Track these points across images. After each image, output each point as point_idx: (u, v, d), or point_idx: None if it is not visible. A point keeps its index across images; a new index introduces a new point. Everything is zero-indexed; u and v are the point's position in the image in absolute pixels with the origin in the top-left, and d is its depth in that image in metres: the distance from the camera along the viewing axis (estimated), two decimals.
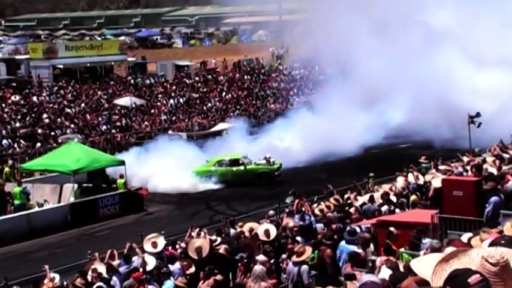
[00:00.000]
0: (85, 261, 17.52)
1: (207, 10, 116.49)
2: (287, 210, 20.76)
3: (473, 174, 18.06)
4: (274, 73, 58.64)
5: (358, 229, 16.67)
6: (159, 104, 48.75)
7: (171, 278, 14.91)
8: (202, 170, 33.56)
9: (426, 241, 12.55)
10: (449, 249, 5.06)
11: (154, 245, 17.03)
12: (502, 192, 15.48)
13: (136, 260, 16.07)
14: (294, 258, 14.84)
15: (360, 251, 14.22)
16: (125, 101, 47.16)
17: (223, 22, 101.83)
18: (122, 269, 15.87)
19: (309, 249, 15.03)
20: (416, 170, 24.59)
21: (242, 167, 33.46)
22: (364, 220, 18.75)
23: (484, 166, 20.04)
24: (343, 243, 15.39)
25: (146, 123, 44.00)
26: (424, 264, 4.72)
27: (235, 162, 33.68)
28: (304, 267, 14.60)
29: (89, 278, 15.65)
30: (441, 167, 23.97)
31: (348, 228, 15.86)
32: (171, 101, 49.48)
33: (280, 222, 19.56)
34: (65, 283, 16.41)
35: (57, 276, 16.63)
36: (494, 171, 18.86)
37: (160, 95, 50.96)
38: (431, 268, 4.63)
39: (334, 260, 15.21)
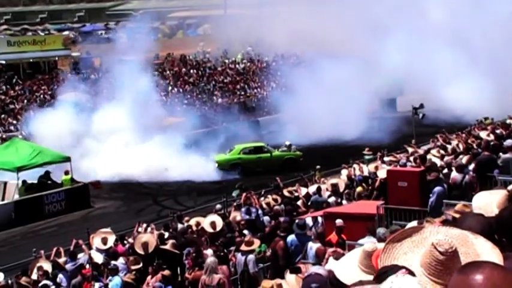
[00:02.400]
0: (30, 259, 17.28)
1: (152, 4, 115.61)
2: (235, 204, 20.79)
3: (417, 164, 18.36)
4: (220, 67, 58.51)
5: (310, 222, 16.80)
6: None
7: (119, 274, 14.80)
8: (228, 158, 33.35)
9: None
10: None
11: (105, 241, 16.89)
12: (446, 182, 15.77)
13: (82, 257, 15.91)
14: (243, 247, 15.06)
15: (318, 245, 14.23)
16: (70, 96, 46.47)
17: (168, 16, 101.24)
18: (68, 266, 15.70)
19: (257, 241, 15.23)
20: (359, 161, 24.91)
21: (268, 154, 33.65)
22: (312, 212, 18.89)
23: (428, 156, 20.39)
24: (292, 236, 15.48)
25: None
26: (347, 269, 4.80)
27: (259, 149, 33.90)
28: (251, 256, 14.88)
29: (35, 276, 15.43)
30: (386, 158, 24.28)
31: (297, 221, 15.94)
32: None
33: (228, 216, 19.58)
34: (9, 281, 16.15)
35: (1, 275, 16.37)
36: (438, 161, 19.18)
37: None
38: (357, 270, 4.71)
39: (286, 252, 15.30)
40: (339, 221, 14.60)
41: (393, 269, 3.04)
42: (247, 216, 18.65)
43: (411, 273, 3.02)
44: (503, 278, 2.26)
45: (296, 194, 21.58)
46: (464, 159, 18.43)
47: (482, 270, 2.28)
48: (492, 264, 2.33)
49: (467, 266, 2.39)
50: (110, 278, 14.63)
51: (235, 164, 33.15)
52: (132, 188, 32.20)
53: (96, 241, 16.95)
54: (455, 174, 16.41)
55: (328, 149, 35.29)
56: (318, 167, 26.67)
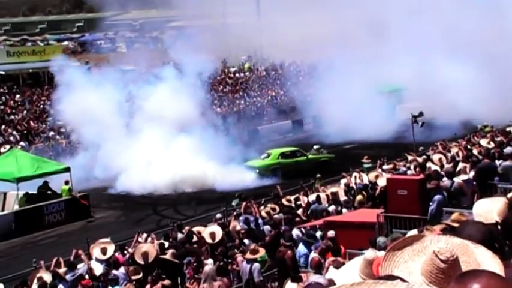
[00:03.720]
0: (30, 270, 17.23)
1: (151, 14, 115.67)
2: (235, 213, 20.76)
3: (417, 173, 18.36)
4: (219, 76, 58.54)
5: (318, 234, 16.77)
6: None
7: (118, 284, 14.77)
8: (268, 163, 33.58)
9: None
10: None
11: (104, 251, 16.87)
12: (444, 189, 15.77)
13: (82, 267, 15.87)
14: (248, 255, 15.06)
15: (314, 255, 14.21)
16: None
17: (168, 26, 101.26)
18: (68, 277, 15.66)
19: (262, 250, 15.26)
20: (359, 170, 24.90)
21: (304, 157, 34.13)
22: (312, 221, 18.88)
23: (428, 165, 20.39)
24: (301, 246, 15.48)
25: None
26: (348, 278, 4.78)
27: (295, 153, 34.48)
28: (256, 265, 14.89)
29: (35, 287, 15.39)
30: (386, 167, 24.27)
31: (307, 231, 15.93)
32: None
33: (228, 225, 19.56)
34: None
35: (1, 286, 16.33)
36: (438, 169, 19.17)
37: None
38: (357, 279, 4.69)
39: (294, 261, 15.32)
40: (330, 233, 14.64)
41: (388, 279, 3.03)
42: (245, 226, 18.63)
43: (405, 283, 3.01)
44: (500, 287, 2.24)
45: (299, 203, 21.57)
46: (461, 165, 18.48)
47: (480, 280, 2.26)
48: (489, 274, 2.31)
49: (465, 275, 2.37)
50: None
51: (275, 169, 33.38)
52: (132, 197, 32.15)
53: (96, 251, 16.92)
54: (445, 181, 16.45)
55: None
56: (317, 175, 26.66)
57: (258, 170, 33.03)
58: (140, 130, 34.88)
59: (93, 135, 34.91)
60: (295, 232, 17.26)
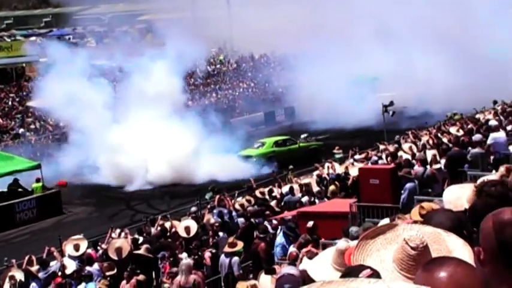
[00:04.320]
0: (2, 269, 17.08)
1: (120, 8, 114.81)
2: (209, 206, 20.75)
3: (389, 162, 18.48)
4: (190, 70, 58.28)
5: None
6: None
7: (93, 280, 14.70)
8: (264, 152, 34.02)
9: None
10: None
11: (77, 247, 16.77)
12: (416, 177, 15.89)
13: (54, 265, 15.76)
14: (226, 248, 15.10)
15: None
16: (37, 103, 46.07)
17: (137, 20, 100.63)
18: (41, 275, 15.54)
19: (240, 243, 15.25)
20: (331, 160, 25.02)
21: (296, 145, 34.76)
22: (286, 212, 18.92)
23: (399, 153, 20.53)
24: (281, 237, 15.47)
25: (62, 124, 43.11)
26: (321, 268, 4.81)
27: (286, 141, 35.26)
28: (235, 258, 14.94)
29: (7, 285, 15.26)
30: (358, 156, 24.40)
31: (288, 223, 15.93)
32: None
33: (201, 218, 19.55)
34: None
35: None
36: (409, 158, 19.30)
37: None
38: (330, 269, 4.72)
39: (269, 254, 15.32)
40: (309, 223, 14.65)
41: (358, 268, 3.05)
42: (220, 219, 18.64)
43: (376, 273, 3.04)
44: (466, 276, 2.26)
45: (274, 194, 21.61)
46: (428, 153, 18.64)
47: (446, 268, 2.27)
48: (456, 261, 2.33)
49: (432, 262, 2.39)
50: (84, 285, 14.52)
51: (270, 157, 33.75)
52: (104, 193, 31.99)
53: (69, 248, 16.82)
54: (417, 168, 16.58)
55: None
56: (290, 167, 26.73)
57: (255, 159, 33.33)
58: (117, 121, 34.59)
59: (73, 124, 34.72)
60: (275, 223, 17.35)
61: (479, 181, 5.90)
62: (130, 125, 33.91)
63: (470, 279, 2.25)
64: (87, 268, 15.45)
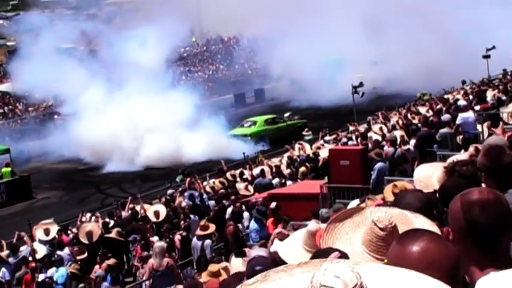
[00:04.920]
0: None
1: None
2: (180, 189, 20.70)
3: (359, 142, 18.54)
4: None
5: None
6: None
7: (63, 265, 14.62)
8: (258, 130, 34.39)
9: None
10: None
11: (47, 232, 16.66)
12: (386, 158, 15.96)
13: (24, 250, 15.64)
14: (199, 231, 15.09)
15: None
16: (6, 87, 45.59)
17: (106, 2, 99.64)
18: (11, 260, 15.40)
19: (212, 225, 15.24)
20: (301, 142, 25.10)
21: (284, 123, 35.26)
22: (256, 194, 18.95)
23: (369, 134, 20.63)
24: (253, 222, 15.47)
25: (31, 108, 42.72)
26: (292, 250, 4.82)
27: (275, 119, 35.92)
28: (208, 241, 14.94)
29: None
30: (328, 138, 24.48)
31: (258, 207, 15.91)
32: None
33: (173, 201, 19.51)
34: None
35: None
36: (379, 138, 19.40)
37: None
38: (301, 250, 4.73)
39: (237, 237, 15.30)
40: (272, 204, 14.71)
41: (327, 251, 3.06)
42: (191, 202, 18.61)
43: (344, 255, 3.05)
44: (439, 252, 2.27)
45: (245, 177, 21.59)
46: (397, 133, 18.75)
47: (420, 242, 2.29)
48: (430, 236, 2.34)
49: (406, 235, 2.40)
50: (54, 269, 14.43)
51: (263, 135, 34.16)
52: (74, 177, 31.78)
53: (39, 233, 16.70)
54: (387, 148, 16.67)
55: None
56: (260, 149, 26.74)
57: (249, 137, 33.63)
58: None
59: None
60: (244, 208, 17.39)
61: (448, 160, 5.93)
62: (106, 108, 33.72)
63: (442, 256, 2.27)
64: (58, 252, 15.35)
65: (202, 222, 15.33)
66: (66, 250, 15.71)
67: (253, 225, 15.15)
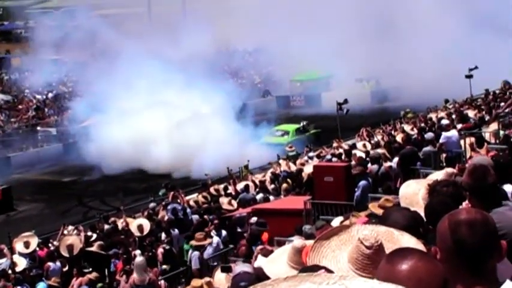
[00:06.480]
0: None
1: (73, 2, 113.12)
2: (163, 203, 20.61)
3: (343, 159, 18.57)
4: None
5: None
6: (26, 99, 47.07)
7: (44, 279, 14.52)
8: (292, 140, 34.23)
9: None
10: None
11: (27, 245, 16.51)
12: (370, 176, 16.00)
13: (4, 262, 15.49)
14: (193, 242, 15.37)
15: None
16: None
17: (91, 14, 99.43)
18: None
19: (209, 239, 15.51)
20: (286, 158, 25.11)
21: (308, 132, 36.40)
22: (240, 209, 18.91)
23: (353, 151, 20.67)
24: None
25: (13, 119, 42.49)
26: (277, 266, 4.80)
27: (299, 128, 36.49)
28: (195, 253, 14.95)
29: None
30: (311, 154, 24.50)
31: (256, 219, 15.87)
32: (39, 96, 47.85)
33: (156, 215, 19.41)
34: None
35: None
36: (363, 155, 19.44)
37: (27, 91, 49.22)
38: (286, 267, 4.72)
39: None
40: (253, 219, 14.72)
41: (313, 269, 3.05)
42: (173, 216, 18.54)
43: (330, 273, 3.04)
44: (427, 271, 2.28)
45: (229, 191, 21.52)
46: (380, 151, 18.82)
47: (408, 261, 2.30)
48: (419, 255, 2.35)
49: (395, 253, 2.40)
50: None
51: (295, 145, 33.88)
52: (56, 189, 31.56)
53: (19, 245, 16.53)
54: (371, 166, 16.72)
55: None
56: (245, 163, 26.67)
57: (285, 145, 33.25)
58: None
59: None
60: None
61: (429, 177, 5.94)
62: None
63: (430, 275, 2.27)
64: (50, 264, 15.31)
65: (197, 235, 15.42)
66: (58, 263, 15.69)
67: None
